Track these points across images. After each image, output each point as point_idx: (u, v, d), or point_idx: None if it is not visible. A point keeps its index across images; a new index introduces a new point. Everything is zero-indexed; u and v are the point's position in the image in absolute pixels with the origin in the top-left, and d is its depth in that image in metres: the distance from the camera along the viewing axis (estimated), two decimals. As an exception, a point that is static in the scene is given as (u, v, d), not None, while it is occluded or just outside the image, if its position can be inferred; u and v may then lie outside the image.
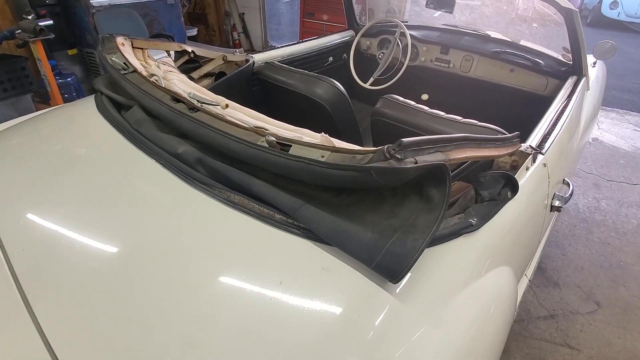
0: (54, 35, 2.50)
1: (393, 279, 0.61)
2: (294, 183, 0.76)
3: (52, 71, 2.67)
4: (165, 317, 0.61)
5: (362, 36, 2.37)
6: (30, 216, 0.80)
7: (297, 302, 0.61)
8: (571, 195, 1.25)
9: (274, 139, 0.74)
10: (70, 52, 3.30)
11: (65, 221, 0.78)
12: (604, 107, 3.98)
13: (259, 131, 0.79)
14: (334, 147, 0.70)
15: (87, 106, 1.15)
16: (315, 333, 0.58)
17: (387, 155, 0.61)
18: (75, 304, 0.63)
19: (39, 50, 2.50)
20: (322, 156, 0.68)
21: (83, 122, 1.11)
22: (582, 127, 1.64)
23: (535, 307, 1.78)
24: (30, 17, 2.46)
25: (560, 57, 1.89)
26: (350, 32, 2.41)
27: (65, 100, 2.89)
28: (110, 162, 0.93)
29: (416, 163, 0.61)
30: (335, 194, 0.74)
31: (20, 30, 2.44)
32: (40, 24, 2.43)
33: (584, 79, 1.70)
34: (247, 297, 0.63)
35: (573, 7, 1.49)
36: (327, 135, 0.79)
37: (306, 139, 0.79)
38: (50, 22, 2.64)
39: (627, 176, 2.91)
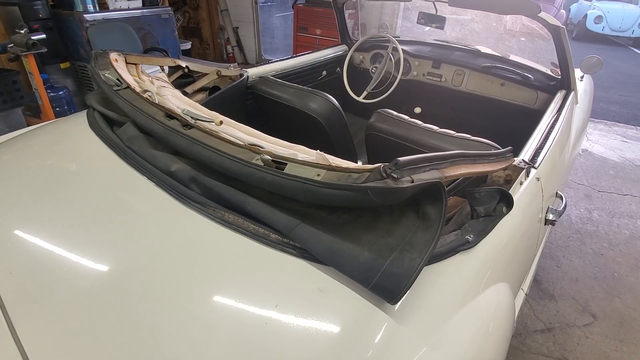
0: (46, 49, 2.49)
1: (391, 299, 0.60)
2: (289, 201, 0.75)
3: (44, 85, 2.66)
4: (157, 341, 0.59)
5: (355, 51, 2.40)
6: (17, 237, 0.78)
7: (292, 326, 0.60)
8: (564, 208, 1.26)
9: (269, 157, 0.73)
10: (63, 65, 3.29)
11: (54, 242, 0.76)
12: (592, 119, 4.06)
13: (253, 149, 0.79)
14: (329, 165, 0.69)
15: (79, 122, 1.14)
16: (311, 357, 0.57)
17: (384, 175, 0.61)
18: (63, 331, 0.61)
19: (31, 64, 2.48)
20: (318, 175, 0.67)
21: (74, 138, 1.10)
22: (573, 141, 1.67)
23: (532, 320, 1.77)
24: (22, 31, 2.46)
25: (549, 72, 1.93)
26: (344, 47, 2.45)
27: (57, 114, 2.87)
28: (101, 180, 0.91)
29: (412, 182, 0.61)
30: (331, 211, 0.73)
31: (12, 44, 2.42)
32: (32, 37, 2.43)
33: (572, 93, 1.74)
34: (242, 321, 0.61)
35: (560, 25, 1.53)
36: (322, 153, 0.78)
37: (301, 156, 0.78)
38: (43, 36, 2.63)
39: (617, 187, 2.95)
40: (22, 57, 2.44)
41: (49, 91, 2.85)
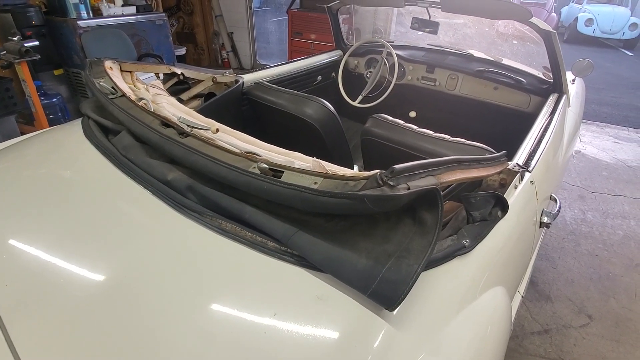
0: (39, 56, 2.48)
1: (389, 306, 0.61)
2: (286, 209, 0.75)
3: (37, 92, 2.64)
4: (155, 352, 0.59)
5: (349, 56, 2.41)
6: (13, 248, 0.77)
7: (291, 334, 0.60)
8: (559, 210, 1.27)
9: (265, 165, 0.73)
10: (56, 72, 3.28)
11: (50, 253, 0.75)
12: (584, 121, 4.11)
13: (250, 157, 0.79)
14: (326, 173, 0.70)
15: (74, 131, 1.13)
16: (311, 366, 0.57)
17: (380, 182, 0.61)
18: (60, 342, 0.60)
19: (24, 72, 2.47)
20: (315, 183, 0.68)
21: (69, 147, 1.09)
22: (566, 143, 1.69)
23: (529, 322, 1.78)
24: (15, 39, 2.45)
25: (541, 75, 1.96)
26: (338, 52, 2.46)
27: (50, 121, 2.85)
28: (97, 190, 0.91)
29: (409, 189, 0.61)
30: (328, 219, 0.74)
31: (5, 52, 2.41)
32: (25, 45, 2.42)
33: (564, 96, 1.76)
34: (240, 330, 0.61)
35: (551, 30, 1.56)
36: (318, 160, 0.79)
37: (298, 164, 0.78)
38: (36, 43, 2.62)
39: (610, 188, 2.98)
40: (15, 64, 2.43)
41: (42, 98, 2.84)
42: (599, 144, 3.79)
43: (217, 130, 0.96)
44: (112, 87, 1.13)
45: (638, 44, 9.19)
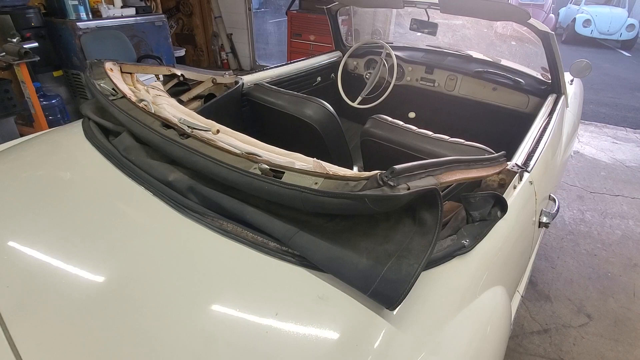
0: (38, 58, 2.48)
1: (390, 306, 0.61)
2: (287, 209, 0.76)
3: (37, 93, 2.64)
4: (156, 353, 0.59)
5: (349, 57, 2.42)
6: (14, 250, 0.77)
7: (293, 334, 0.60)
8: (557, 210, 1.28)
9: (266, 166, 0.74)
10: (56, 73, 3.28)
11: (51, 254, 0.75)
12: (582, 121, 4.12)
13: (251, 157, 0.79)
14: (326, 173, 0.70)
15: (75, 132, 1.14)
16: (312, 365, 0.57)
17: (380, 183, 0.61)
18: (61, 343, 0.60)
19: (23, 73, 2.47)
20: (315, 183, 0.68)
21: (70, 149, 1.09)
22: (564, 144, 1.70)
23: (529, 321, 1.78)
24: (15, 40, 2.45)
25: (539, 76, 1.96)
26: (338, 53, 2.47)
27: (50, 122, 2.85)
28: (98, 191, 0.91)
29: (409, 189, 0.62)
30: (329, 219, 0.74)
31: (4, 53, 2.41)
32: (25, 46, 2.42)
33: (563, 97, 1.77)
34: (242, 330, 0.61)
35: (549, 31, 1.56)
36: (319, 161, 0.79)
37: (298, 164, 0.79)
38: (36, 44, 2.63)
39: (609, 188, 2.99)
40: (14, 65, 2.43)
41: (41, 100, 2.84)
42: (597, 144, 3.80)
43: (218, 131, 0.96)
44: (113, 89, 1.13)
45: (635, 44, 9.23)
